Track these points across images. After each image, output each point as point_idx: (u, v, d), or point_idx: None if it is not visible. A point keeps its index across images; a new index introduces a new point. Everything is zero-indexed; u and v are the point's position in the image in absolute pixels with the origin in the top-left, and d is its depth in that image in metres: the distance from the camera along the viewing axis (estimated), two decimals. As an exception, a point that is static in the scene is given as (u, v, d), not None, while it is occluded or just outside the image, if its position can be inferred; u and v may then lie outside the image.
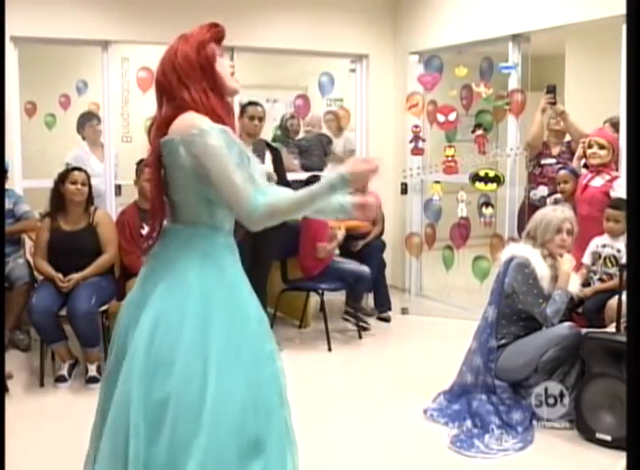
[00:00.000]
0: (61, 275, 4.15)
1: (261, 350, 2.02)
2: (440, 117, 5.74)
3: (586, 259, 4.23)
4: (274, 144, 5.38)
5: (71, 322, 4.07)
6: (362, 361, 4.63)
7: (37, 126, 6.33)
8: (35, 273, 4.59)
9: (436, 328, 5.41)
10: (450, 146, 5.74)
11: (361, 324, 5.19)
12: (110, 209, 5.44)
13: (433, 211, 5.97)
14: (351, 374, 4.37)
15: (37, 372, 4.17)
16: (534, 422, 3.48)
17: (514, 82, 5.38)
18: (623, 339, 3.18)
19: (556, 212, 3.68)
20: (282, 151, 5.12)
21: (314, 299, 5.42)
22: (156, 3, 5.59)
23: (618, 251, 4.09)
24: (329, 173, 2.08)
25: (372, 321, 5.46)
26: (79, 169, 4.39)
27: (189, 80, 2.00)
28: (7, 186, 4.77)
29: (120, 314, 2.12)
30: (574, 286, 3.67)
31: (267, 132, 5.98)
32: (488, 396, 3.57)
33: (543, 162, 5.21)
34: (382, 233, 5.79)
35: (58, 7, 5.33)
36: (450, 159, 5.69)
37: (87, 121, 6.06)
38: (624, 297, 3.29)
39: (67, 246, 4.22)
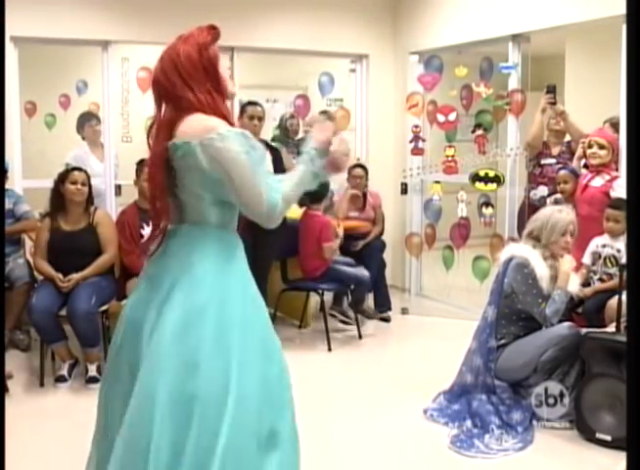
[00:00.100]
0: (61, 275, 4.15)
1: (273, 344, 2.08)
2: (440, 117, 5.74)
3: (586, 259, 4.23)
4: (274, 144, 5.38)
5: (71, 322, 4.07)
6: (362, 361, 4.63)
7: (37, 126, 6.34)
8: (35, 273, 4.59)
9: (436, 328, 5.41)
10: (450, 146, 5.74)
11: (343, 319, 5.29)
12: (110, 209, 5.44)
13: (433, 211, 5.97)
14: (351, 374, 4.37)
15: (37, 372, 4.17)
16: (534, 422, 3.48)
17: (514, 82, 5.38)
18: (623, 339, 3.18)
19: (561, 214, 3.67)
20: (282, 151, 5.12)
21: (314, 299, 5.42)
22: (155, 3, 5.59)
23: (618, 251, 4.09)
24: (306, 149, 2.17)
25: (372, 321, 5.47)
26: (79, 169, 4.38)
27: (193, 81, 2.01)
28: (7, 186, 4.77)
29: (125, 314, 2.10)
30: (574, 286, 3.67)
31: (267, 132, 5.99)
32: (488, 396, 3.57)
33: (543, 162, 5.21)
34: (382, 233, 5.79)
35: (58, 7, 5.33)
36: (450, 159, 5.69)
37: (86, 122, 6.06)
38: (624, 297, 3.29)
39: (67, 246, 4.22)
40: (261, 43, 5.94)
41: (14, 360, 4.44)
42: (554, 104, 5.05)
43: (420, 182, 6.15)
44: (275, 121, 6.74)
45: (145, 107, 5.56)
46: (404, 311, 5.83)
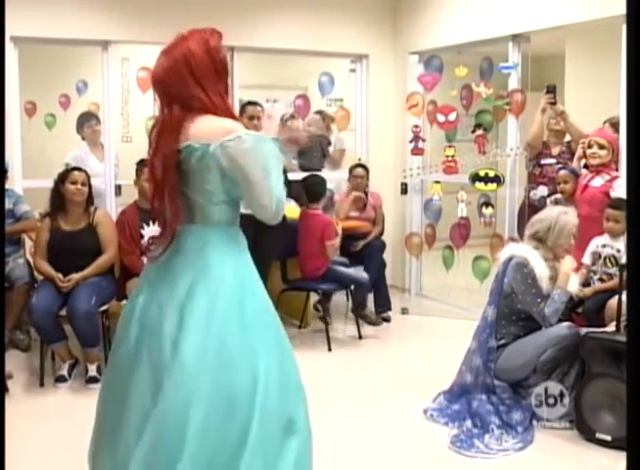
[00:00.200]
0: (61, 275, 4.15)
1: (286, 343, 2.18)
2: (440, 117, 5.74)
3: (586, 259, 4.23)
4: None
5: (71, 322, 4.07)
6: (362, 361, 4.63)
7: (37, 126, 6.33)
8: (35, 273, 4.59)
9: (436, 328, 5.41)
10: (450, 146, 5.73)
11: (371, 321, 5.26)
12: (110, 209, 5.44)
13: (433, 211, 5.97)
14: (351, 374, 4.37)
15: (37, 372, 4.17)
16: (534, 422, 3.48)
17: (514, 82, 5.37)
18: (623, 339, 3.18)
19: (568, 216, 3.66)
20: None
21: (314, 299, 5.42)
22: (155, 3, 5.59)
23: (618, 251, 4.09)
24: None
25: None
26: (79, 169, 4.38)
27: (206, 82, 2.06)
28: (7, 186, 4.77)
29: (137, 316, 2.09)
30: (573, 286, 3.67)
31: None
32: (488, 396, 3.57)
33: (543, 162, 5.21)
34: (382, 233, 5.79)
35: (58, 7, 5.33)
36: (450, 159, 5.69)
37: (86, 122, 6.06)
38: (624, 297, 3.29)
39: (67, 246, 4.22)
40: (261, 43, 5.94)
41: (14, 360, 4.44)
42: (554, 104, 5.05)
43: (420, 182, 6.15)
44: (275, 122, 6.74)
45: (145, 107, 5.58)
46: (404, 311, 5.83)
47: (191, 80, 2.05)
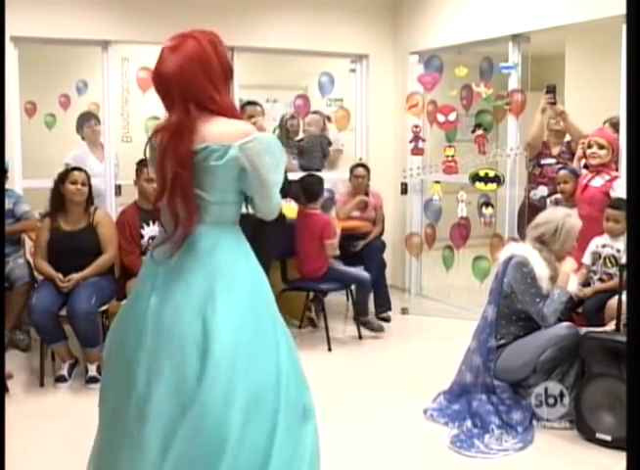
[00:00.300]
0: (61, 275, 4.15)
1: (291, 340, 2.24)
2: (440, 117, 5.74)
3: (586, 259, 4.23)
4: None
5: (71, 322, 4.07)
6: (362, 361, 4.63)
7: (37, 126, 6.33)
8: (35, 273, 4.59)
9: (436, 328, 5.41)
10: (450, 146, 5.73)
11: (373, 328, 5.20)
12: (110, 209, 5.44)
13: (433, 211, 5.97)
14: (351, 374, 4.37)
15: (37, 372, 4.17)
16: (534, 422, 3.48)
17: (514, 82, 5.37)
18: (623, 339, 3.17)
19: (573, 219, 3.65)
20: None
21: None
22: (155, 3, 5.59)
23: (618, 251, 4.09)
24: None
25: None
26: (79, 169, 4.38)
27: (219, 83, 2.11)
28: (7, 186, 4.77)
29: (149, 318, 2.07)
30: (573, 286, 3.67)
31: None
32: (488, 396, 3.57)
33: (543, 162, 5.21)
34: (382, 233, 5.79)
35: (58, 7, 5.33)
36: (450, 159, 5.69)
37: (86, 122, 6.06)
38: (624, 297, 3.29)
39: (67, 246, 4.22)
40: (261, 43, 5.94)
41: (14, 360, 4.44)
42: (554, 104, 5.05)
43: (420, 182, 6.15)
44: (275, 122, 6.74)
45: (145, 107, 5.58)
46: (404, 311, 5.83)
47: (206, 80, 2.07)
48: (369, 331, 5.19)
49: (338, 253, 5.16)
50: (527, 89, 5.37)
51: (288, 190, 4.74)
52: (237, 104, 5.32)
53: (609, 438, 3.23)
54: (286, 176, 4.63)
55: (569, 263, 3.65)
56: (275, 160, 2.09)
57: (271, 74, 7.24)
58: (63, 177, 4.29)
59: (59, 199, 4.29)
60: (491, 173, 5.45)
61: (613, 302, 3.71)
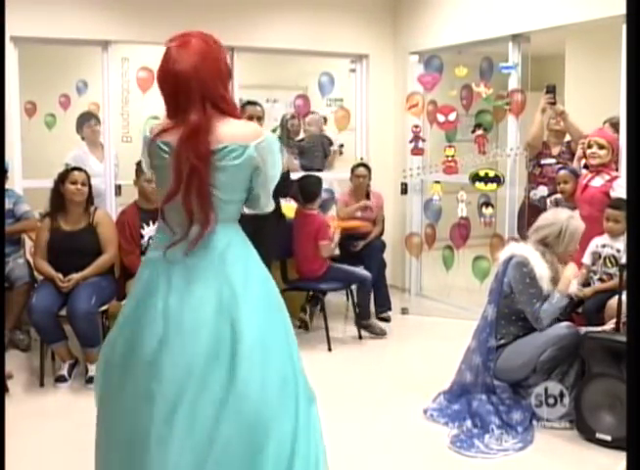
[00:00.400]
0: (61, 275, 4.15)
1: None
2: (440, 117, 5.74)
3: (586, 259, 4.22)
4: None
5: (71, 322, 4.07)
6: (362, 361, 4.63)
7: (37, 126, 6.33)
8: (35, 273, 4.59)
9: (436, 328, 5.41)
10: (450, 146, 5.73)
11: (374, 331, 5.18)
12: (110, 209, 5.44)
13: (433, 211, 5.97)
14: (351, 374, 4.37)
15: (37, 372, 4.17)
16: (534, 422, 3.48)
17: (514, 82, 5.37)
18: (623, 339, 3.17)
19: (575, 221, 3.64)
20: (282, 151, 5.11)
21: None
22: (155, 3, 5.59)
23: (618, 251, 4.09)
24: None
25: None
26: (79, 169, 4.38)
27: (226, 84, 2.19)
28: (7, 186, 4.78)
29: (171, 318, 2.07)
30: (573, 286, 3.67)
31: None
32: (488, 396, 3.57)
33: (543, 162, 5.21)
34: (382, 233, 5.79)
35: (58, 7, 5.33)
36: (450, 159, 5.69)
37: (85, 122, 6.06)
38: (624, 297, 3.29)
39: (67, 246, 4.22)
40: (261, 43, 5.94)
41: (14, 360, 4.45)
42: (554, 104, 5.05)
43: (420, 182, 6.15)
44: (276, 121, 6.74)
45: (145, 107, 5.57)
46: (404, 311, 5.83)
47: (217, 79, 2.13)
48: (372, 334, 5.16)
49: (337, 253, 5.16)
50: (527, 89, 5.38)
51: (288, 190, 4.74)
52: (237, 104, 5.34)
53: (609, 438, 3.23)
54: (288, 176, 4.67)
55: (571, 269, 3.65)
56: (277, 157, 2.21)
57: (271, 74, 7.24)
58: (63, 177, 4.29)
59: (59, 199, 4.29)
60: (491, 173, 5.45)
61: (613, 302, 3.71)
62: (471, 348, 3.71)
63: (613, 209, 4.10)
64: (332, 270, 5.02)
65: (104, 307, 4.24)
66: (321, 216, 5.06)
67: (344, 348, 4.93)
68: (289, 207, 5.16)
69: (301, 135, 6.56)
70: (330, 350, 4.83)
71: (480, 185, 5.50)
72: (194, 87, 2.07)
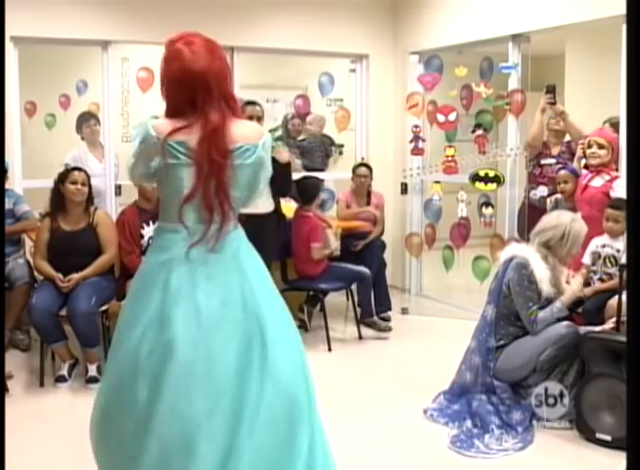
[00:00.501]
0: (61, 275, 4.15)
1: None
2: (440, 117, 5.74)
3: (586, 259, 4.23)
4: (279, 143, 5.37)
5: (71, 322, 4.07)
6: (362, 361, 4.63)
7: (37, 126, 6.33)
8: (35, 273, 4.59)
9: (436, 328, 5.41)
10: (450, 146, 5.73)
11: (380, 328, 5.18)
12: (110, 209, 5.44)
13: (433, 211, 5.97)
14: (351, 374, 4.37)
15: (37, 372, 4.17)
16: (534, 422, 3.48)
17: (514, 82, 5.37)
18: (623, 339, 3.17)
19: (578, 223, 3.63)
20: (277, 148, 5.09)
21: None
22: (155, 3, 5.59)
23: (618, 251, 4.09)
24: None
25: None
26: (79, 169, 4.39)
27: (231, 84, 2.29)
28: (7, 186, 4.78)
29: (202, 310, 2.13)
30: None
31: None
32: (488, 396, 3.57)
33: (543, 162, 5.21)
34: (382, 233, 5.78)
35: (58, 7, 5.33)
36: (450, 159, 5.69)
37: (85, 122, 6.06)
38: (624, 297, 3.29)
39: (67, 246, 4.22)
40: (261, 43, 5.94)
41: (14, 360, 4.44)
42: (554, 104, 5.05)
43: (420, 182, 6.15)
44: (275, 122, 6.74)
45: (145, 107, 5.57)
46: (404, 311, 5.83)
47: (228, 78, 2.22)
48: (376, 332, 5.16)
49: (336, 253, 5.14)
50: (527, 89, 5.37)
51: (289, 185, 4.74)
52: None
53: (609, 438, 3.23)
54: (289, 176, 4.67)
55: (577, 282, 3.65)
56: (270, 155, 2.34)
57: (271, 74, 7.24)
58: (63, 177, 4.29)
59: (59, 199, 4.29)
60: (491, 173, 5.45)
61: (613, 302, 3.71)
62: (470, 348, 3.71)
63: (613, 209, 4.10)
64: (330, 269, 5.02)
65: (104, 308, 4.23)
66: (315, 219, 5.04)
67: (344, 348, 4.93)
68: (289, 207, 5.15)
69: (303, 135, 6.56)
70: (330, 350, 4.83)
71: (479, 185, 5.50)
72: (213, 86, 2.14)
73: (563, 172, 4.77)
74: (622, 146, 4.45)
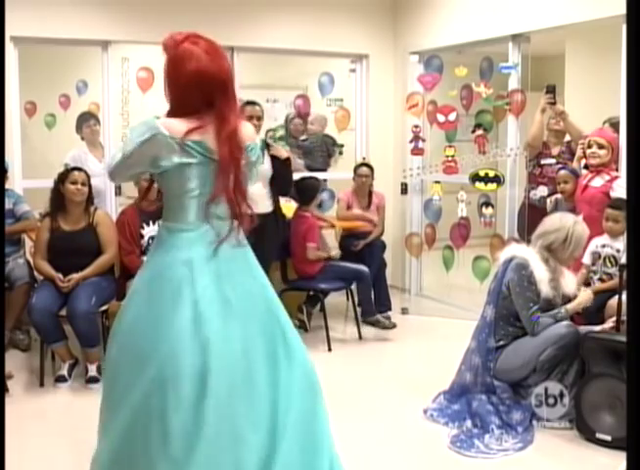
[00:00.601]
0: (61, 275, 4.15)
1: None
2: (440, 117, 5.74)
3: (586, 259, 4.23)
4: (278, 144, 5.37)
5: (71, 322, 4.07)
6: (362, 361, 4.63)
7: (37, 126, 6.33)
8: (35, 273, 4.59)
9: (436, 328, 5.41)
10: (450, 146, 5.73)
11: (385, 326, 5.19)
12: (110, 209, 5.44)
13: (433, 211, 5.97)
14: (351, 374, 4.37)
15: (37, 372, 4.17)
16: (534, 422, 3.47)
17: (514, 82, 5.37)
18: (623, 339, 3.17)
19: (581, 226, 3.63)
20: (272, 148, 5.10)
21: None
22: (155, 3, 5.59)
23: (618, 251, 4.09)
24: None
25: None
26: (79, 169, 4.39)
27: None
28: (7, 186, 4.78)
29: (232, 300, 2.21)
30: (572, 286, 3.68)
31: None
32: (488, 396, 3.57)
33: (543, 162, 5.21)
34: (382, 233, 5.78)
35: (58, 7, 5.33)
36: (450, 159, 5.69)
37: (85, 122, 6.06)
38: (624, 297, 3.29)
39: (67, 246, 4.22)
40: (261, 43, 5.94)
41: (14, 360, 4.45)
42: (554, 104, 5.05)
43: (420, 182, 6.15)
44: (276, 121, 6.75)
45: (145, 107, 5.57)
46: (404, 311, 5.83)
47: (235, 87, 2.30)
48: (380, 330, 5.16)
49: (338, 255, 5.13)
50: (527, 89, 5.37)
51: (289, 182, 4.74)
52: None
53: (609, 438, 3.23)
54: (289, 173, 4.67)
55: (586, 294, 3.65)
56: None
57: (271, 74, 7.24)
58: (63, 177, 4.29)
59: (59, 199, 4.29)
60: (491, 173, 5.45)
61: (613, 302, 3.71)
62: (470, 348, 3.71)
63: (613, 209, 4.10)
64: (328, 268, 5.01)
65: (104, 307, 4.23)
66: (313, 219, 5.04)
67: (344, 348, 4.93)
68: (288, 206, 5.15)
69: (304, 135, 6.56)
70: (330, 350, 4.83)
71: (479, 185, 5.50)
72: (229, 86, 2.22)
73: (563, 172, 4.77)
74: (622, 146, 4.46)
